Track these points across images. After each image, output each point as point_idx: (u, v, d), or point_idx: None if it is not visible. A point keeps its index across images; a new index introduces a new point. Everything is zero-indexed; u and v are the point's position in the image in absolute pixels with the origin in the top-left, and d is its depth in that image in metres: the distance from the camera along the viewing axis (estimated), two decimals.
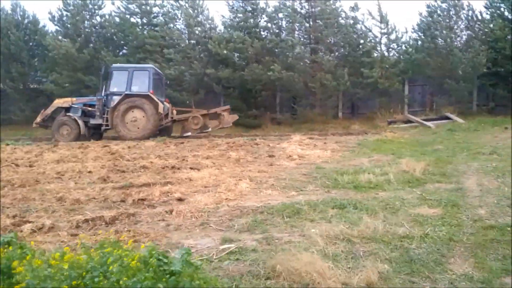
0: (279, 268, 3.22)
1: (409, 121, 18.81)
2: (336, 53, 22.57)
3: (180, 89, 21.43)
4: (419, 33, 22.47)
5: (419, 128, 17.14)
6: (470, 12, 21.34)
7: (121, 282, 2.38)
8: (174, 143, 13.50)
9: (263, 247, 3.92)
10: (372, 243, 3.94)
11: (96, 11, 24.20)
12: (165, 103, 16.86)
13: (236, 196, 6.00)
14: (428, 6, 21.75)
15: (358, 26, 22.18)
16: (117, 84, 16.21)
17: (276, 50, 21.94)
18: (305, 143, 12.65)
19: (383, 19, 21.35)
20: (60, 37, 23.22)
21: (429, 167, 7.81)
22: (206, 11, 23.63)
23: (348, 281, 3.12)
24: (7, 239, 3.05)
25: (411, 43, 22.45)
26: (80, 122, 15.95)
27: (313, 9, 21.91)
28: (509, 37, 19.26)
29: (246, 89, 21.77)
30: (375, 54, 21.95)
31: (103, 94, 16.34)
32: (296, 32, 22.54)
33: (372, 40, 22.10)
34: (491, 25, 20.54)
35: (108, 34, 23.85)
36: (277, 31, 22.54)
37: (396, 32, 21.84)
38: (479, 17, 21.35)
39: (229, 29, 22.78)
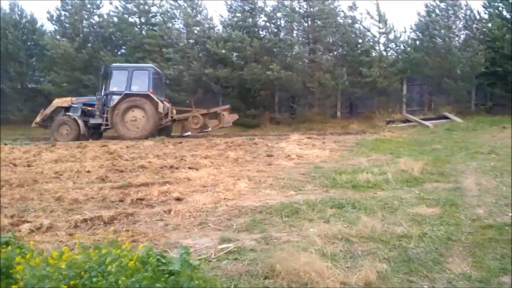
0: (277, 267, 3.22)
1: (407, 121, 18.82)
2: (335, 53, 22.57)
3: (179, 89, 21.42)
4: (418, 32, 22.49)
5: (418, 128, 17.16)
6: (468, 11, 21.39)
7: (119, 282, 2.38)
8: (172, 142, 13.49)
9: (262, 246, 3.92)
10: (371, 242, 3.94)
11: (94, 11, 24.18)
12: (165, 102, 16.85)
13: (235, 195, 6.00)
14: (427, 6, 21.78)
15: (357, 25, 22.22)
16: (117, 83, 16.20)
17: (275, 50, 21.94)
18: (303, 142, 12.65)
19: (382, 19, 21.37)
20: (58, 37, 23.18)
21: (428, 167, 7.81)
22: (205, 10, 23.67)
23: (346, 280, 3.12)
24: (5, 239, 3.05)
25: (409, 42, 22.48)
26: (80, 121, 15.93)
27: (311, 9, 21.90)
28: (507, 36, 19.27)
29: (244, 89, 21.77)
30: (374, 54, 21.97)
31: (102, 94, 16.31)
32: (295, 32, 22.54)
33: (371, 40, 22.12)
34: (489, 25, 20.58)
35: (107, 34, 23.83)
36: (275, 30, 22.55)
37: (394, 31, 21.90)
38: (477, 17, 21.40)
39: (227, 29, 22.78)
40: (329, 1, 21.86)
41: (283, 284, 3.07)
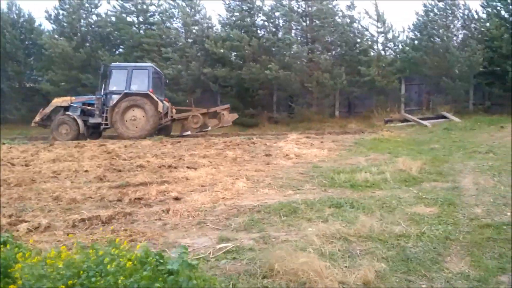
0: (276, 267, 3.22)
1: (405, 120, 18.84)
2: (333, 52, 22.57)
3: (177, 89, 21.39)
4: (416, 32, 22.51)
5: (416, 127, 17.18)
6: (467, 11, 21.41)
7: (119, 281, 2.38)
8: (171, 142, 13.48)
9: (260, 246, 3.92)
10: (369, 242, 3.95)
11: (92, 10, 24.14)
12: (164, 102, 16.83)
13: (233, 195, 6.00)
14: (425, 5, 21.80)
15: (355, 25, 22.22)
16: (117, 83, 16.18)
17: (273, 49, 21.93)
18: (302, 142, 12.65)
19: (380, 18, 21.39)
20: (56, 36, 23.14)
21: (426, 166, 7.83)
22: (203, 10, 23.63)
23: (345, 280, 3.12)
24: (3, 239, 3.04)
25: (408, 42, 22.50)
26: (79, 121, 15.91)
27: (309, 8, 21.90)
28: (505, 36, 19.30)
29: (243, 88, 21.77)
30: (372, 53, 21.99)
31: (102, 93, 16.29)
32: (293, 31, 22.54)
33: (369, 39, 22.14)
34: (488, 24, 20.60)
35: (104, 33, 23.79)
36: (274, 30, 22.55)
37: (393, 31, 21.92)
38: (476, 16, 21.42)
39: (226, 28, 22.77)
40: (328, 1, 21.87)
41: (282, 284, 3.07)
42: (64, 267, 2.50)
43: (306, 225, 4.48)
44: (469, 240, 3.97)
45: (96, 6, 24.23)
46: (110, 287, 2.39)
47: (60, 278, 2.43)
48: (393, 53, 22.72)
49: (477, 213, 4.83)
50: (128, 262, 2.53)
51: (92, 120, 16.31)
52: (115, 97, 15.96)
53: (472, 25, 21.42)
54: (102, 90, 16.31)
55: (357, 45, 22.21)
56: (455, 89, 20.00)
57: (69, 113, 16.16)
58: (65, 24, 23.72)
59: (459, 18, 21.58)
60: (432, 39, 20.99)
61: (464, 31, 21.69)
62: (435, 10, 21.44)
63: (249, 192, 6.20)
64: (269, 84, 21.34)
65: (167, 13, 23.55)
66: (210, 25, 23.60)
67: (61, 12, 23.88)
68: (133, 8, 23.99)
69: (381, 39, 22.12)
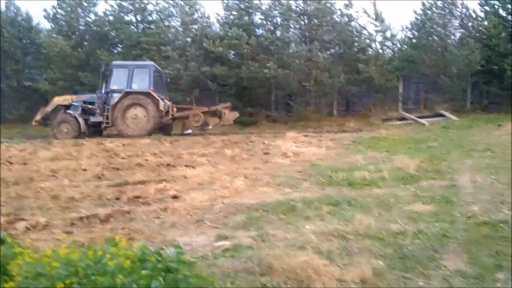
0: (274, 265, 3.23)
1: (403, 119, 18.84)
2: (332, 51, 22.55)
3: (176, 88, 21.34)
4: (414, 30, 22.50)
5: (413, 126, 17.18)
6: (464, 9, 21.42)
7: (117, 280, 2.38)
8: (169, 140, 13.47)
9: (258, 244, 3.93)
10: (366, 239, 3.96)
11: (91, 9, 24.07)
12: (165, 100, 16.80)
13: (231, 193, 6.01)
14: (423, 4, 21.79)
15: (353, 23, 22.21)
16: (118, 81, 16.14)
17: (272, 48, 21.91)
18: (300, 140, 12.66)
19: (378, 17, 21.39)
20: (54, 35, 23.08)
21: (423, 164, 7.84)
22: (202, 8, 23.58)
23: (342, 277, 3.13)
24: (2, 237, 3.04)
25: (406, 40, 22.50)
26: (80, 119, 15.88)
27: (307, 7, 21.88)
28: (503, 34, 19.32)
29: (241, 87, 21.72)
30: (370, 52, 21.98)
31: (103, 92, 16.27)
32: (291, 30, 22.51)
33: (367, 38, 22.14)
34: (485, 23, 20.61)
35: (103, 32, 23.71)
36: (272, 28, 22.52)
37: (391, 30, 21.92)
38: (473, 15, 21.43)
39: (224, 27, 22.72)
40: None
41: (280, 281, 3.08)
42: (62, 266, 2.51)
43: (304, 223, 4.50)
44: (466, 238, 3.99)
45: (94, 5, 24.16)
46: (109, 286, 2.39)
47: (58, 276, 2.43)
48: (391, 52, 22.72)
49: (474, 211, 4.84)
50: (127, 260, 2.53)
51: (93, 119, 16.29)
52: (116, 96, 15.94)
53: (470, 23, 21.41)
54: (103, 88, 16.29)
55: (355, 44, 22.19)
56: (453, 88, 20.00)
57: (70, 111, 16.12)
58: (63, 23, 23.65)
59: (457, 16, 21.58)
60: (430, 37, 20.99)
61: (462, 29, 21.70)
62: (433, 9, 21.44)
63: (248, 190, 6.21)
64: (268, 83, 21.30)
65: (165, 12, 23.50)
66: (208, 24, 23.57)
67: (59, 11, 23.81)
68: (131, 7, 23.93)
69: (379, 37, 22.12)
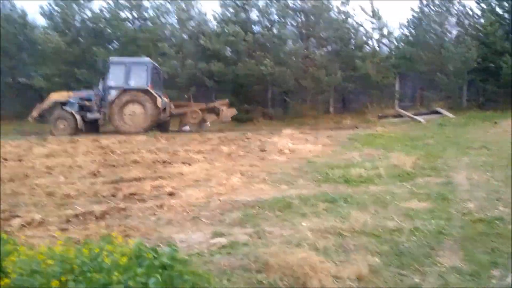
0: (270, 262, 3.23)
1: (399, 116, 18.88)
2: (329, 48, 22.55)
3: (172, 85, 21.26)
4: (411, 28, 22.52)
5: (410, 123, 17.23)
6: (461, 7, 21.46)
7: (113, 277, 2.37)
8: (165, 137, 13.45)
9: (255, 241, 3.93)
10: (363, 236, 3.96)
11: (87, 4, 23.93)
12: (163, 97, 16.75)
13: (228, 190, 6.00)
14: (420, 2, 21.82)
15: (350, 21, 22.21)
16: (115, 78, 16.09)
17: (268, 45, 21.87)
18: (296, 137, 12.67)
19: (375, 14, 21.39)
20: (49, 31, 22.93)
21: (419, 162, 7.86)
22: (198, 5, 23.51)
23: (338, 274, 3.13)
24: None
25: (402, 38, 22.53)
26: (77, 116, 15.84)
27: (304, 4, 21.85)
28: (499, 32, 19.37)
29: (238, 84, 21.70)
30: (367, 49, 22.00)
31: (100, 88, 16.20)
32: (288, 27, 22.49)
33: (364, 36, 22.14)
34: (482, 20, 20.66)
35: (98, 29, 23.58)
36: (269, 25, 22.48)
37: (387, 27, 21.94)
38: (470, 13, 21.47)
39: (221, 23, 22.65)
40: None
41: (276, 278, 3.07)
42: (57, 263, 2.49)
43: (300, 220, 4.49)
44: (462, 235, 4.00)
45: (90, 1, 24.03)
46: (105, 283, 2.38)
47: (53, 274, 2.41)
48: (388, 49, 22.75)
49: (470, 208, 4.86)
50: (123, 257, 2.52)
51: (90, 115, 16.25)
52: (114, 92, 15.89)
53: (467, 21, 21.47)
54: (100, 85, 16.22)
55: (352, 41, 22.20)
56: (449, 85, 20.05)
57: (67, 108, 16.07)
58: (58, 19, 23.50)
59: (454, 14, 21.62)
60: (426, 35, 21.02)
61: (459, 27, 21.73)
62: (430, 6, 21.47)
63: (244, 187, 6.21)
64: (264, 80, 21.28)
65: (162, 9, 23.39)
66: (205, 20, 23.49)
67: (54, 7, 23.65)
68: (127, 4, 23.80)
69: (376, 35, 22.15)
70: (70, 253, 2.61)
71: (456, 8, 21.47)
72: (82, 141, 12.16)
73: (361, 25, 22.09)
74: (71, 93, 16.77)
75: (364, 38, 22.13)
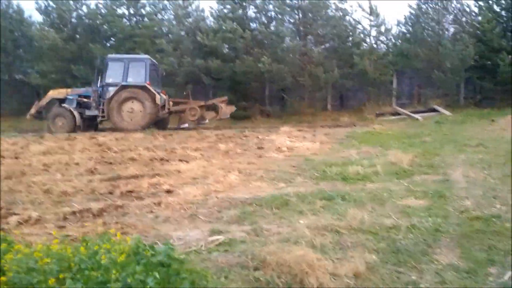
0: (268, 259, 3.23)
1: (397, 114, 18.92)
2: (326, 45, 22.54)
3: (169, 82, 21.22)
4: (408, 25, 22.54)
5: (407, 121, 17.27)
6: (459, 5, 21.49)
7: (111, 275, 2.37)
8: (162, 135, 13.42)
9: (252, 238, 3.93)
10: (360, 234, 3.97)
11: (83, 1, 23.89)
12: (161, 94, 16.72)
13: (225, 188, 6.00)
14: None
15: (347, 18, 22.22)
16: (113, 75, 16.04)
17: (266, 42, 21.84)
18: (294, 135, 12.68)
19: (373, 11, 21.39)
20: (46, 28, 22.85)
21: (417, 159, 7.88)
22: (196, 1, 23.45)
23: (336, 271, 3.13)
24: None
25: (400, 35, 22.55)
26: (76, 113, 15.80)
27: (302, 1, 21.82)
28: (496, 30, 19.40)
29: (235, 81, 21.68)
30: (364, 46, 22.00)
31: (98, 85, 16.16)
32: (286, 24, 22.46)
33: (362, 33, 22.15)
34: (479, 18, 20.68)
35: (95, 25, 23.51)
36: (266, 22, 22.45)
37: (385, 24, 21.96)
38: (467, 10, 21.50)
39: (218, 20, 22.61)
40: None
41: (273, 276, 3.07)
42: (55, 260, 2.49)
43: (298, 217, 4.50)
44: (459, 232, 4.01)
45: None
46: (103, 281, 2.37)
47: (50, 271, 2.41)
48: (386, 46, 22.78)
49: (467, 206, 4.87)
50: (121, 255, 2.52)
51: (88, 113, 16.20)
52: (112, 89, 15.86)
53: (464, 18, 21.50)
54: (99, 82, 16.18)
55: (350, 38, 22.20)
56: (447, 83, 20.08)
57: (65, 105, 16.02)
58: (55, 15, 23.42)
59: (451, 12, 21.65)
60: (424, 32, 21.05)
61: (456, 25, 21.76)
62: (428, 4, 21.48)
63: (241, 185, 6.21)
64: (262, 77, 21.27)
65: (159, 5, 23.33)
66: (202, 17, 23.43)
67: (51, 3, 23.56)
68: (123, 0, 23.71)
69: (373, 32, 22.16)
70: (68, 251, 2.61)
71: (453, 5, 21.52)
72: (79, 139, 12.12)
73: (359, 22, 22.13)
74: (69, 90, 16.73)
75: (362, 36, 22.16)
